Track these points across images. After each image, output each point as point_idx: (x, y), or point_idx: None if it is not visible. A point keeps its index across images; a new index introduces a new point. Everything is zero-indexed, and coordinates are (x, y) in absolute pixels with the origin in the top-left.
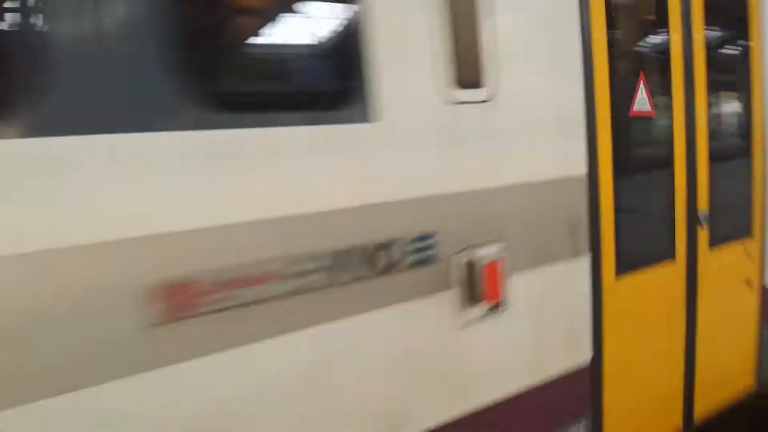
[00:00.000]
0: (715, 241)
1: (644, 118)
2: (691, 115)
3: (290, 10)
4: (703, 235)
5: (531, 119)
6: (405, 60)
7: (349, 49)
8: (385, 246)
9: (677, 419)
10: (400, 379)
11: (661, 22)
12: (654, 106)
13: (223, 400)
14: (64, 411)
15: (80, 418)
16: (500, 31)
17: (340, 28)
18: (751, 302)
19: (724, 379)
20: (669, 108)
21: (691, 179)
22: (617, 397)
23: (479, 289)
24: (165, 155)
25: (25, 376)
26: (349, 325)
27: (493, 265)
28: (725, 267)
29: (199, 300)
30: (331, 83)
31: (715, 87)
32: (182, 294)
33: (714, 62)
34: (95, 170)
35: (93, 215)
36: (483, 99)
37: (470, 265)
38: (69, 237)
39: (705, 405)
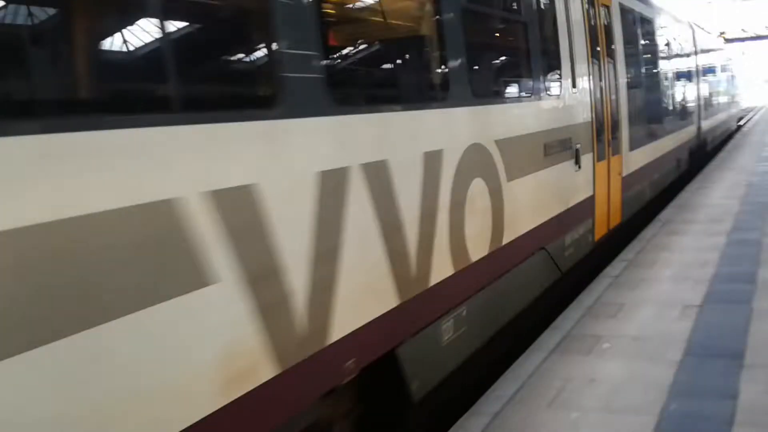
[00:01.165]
0: (613, 153)
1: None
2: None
3: None
4: (610, 150)
5: None
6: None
7: None
8: (563, 142)
9: (614, 221)
10: (556, 190)
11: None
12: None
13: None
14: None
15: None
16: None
17: None
18: (619, 182)
19: (614, 213)
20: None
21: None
22: (598, 211)
23: (577, 160)
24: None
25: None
26: (556, 167)
27: (577, 150)
28: (614, 165)
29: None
30: None
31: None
32: None
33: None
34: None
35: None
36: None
37: (575, 151)
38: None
39: (614, 221)
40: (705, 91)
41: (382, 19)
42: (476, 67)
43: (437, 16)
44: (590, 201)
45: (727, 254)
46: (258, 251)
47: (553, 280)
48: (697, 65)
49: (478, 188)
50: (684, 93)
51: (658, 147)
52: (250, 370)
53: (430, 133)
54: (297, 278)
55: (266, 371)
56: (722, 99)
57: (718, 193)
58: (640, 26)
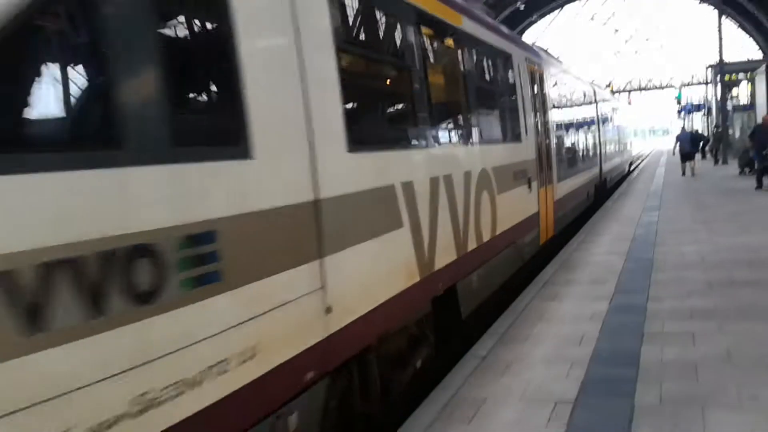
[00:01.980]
0: (548, 183)
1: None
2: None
3: None
4: (546, 181)
5: None
6: None
7: None
8: (523, 171)
9: (550, 233)
10: (521, 204)
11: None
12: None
13: None
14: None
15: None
16: None
17: None
18: (553, 204)
19: (550, 227)
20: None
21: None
22: (542, 224)
23: (529, 185)
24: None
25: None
26: (520, 188)
27: (529, 178)
28: (549, 191)
29: None
30: None
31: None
32: None
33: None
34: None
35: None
36: None
37: (528, 179)
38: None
39: (550, 233)
40: (604, 138)
41: (444, 101)
42: (482, 120)
43: (472, 95)
44: (537, 215)
45: (608, 325)
46: (414, 215)
47: (517, 267)
48: (598, 117)
49: (484, 195)
50: (590, 140)
51: (575, 181)
52: (413, 273)
53: (467, 160)
54: (428, 232)
55: (416, 276)
56: (618, 146)
57: (603, 248)
58: (558, 87)
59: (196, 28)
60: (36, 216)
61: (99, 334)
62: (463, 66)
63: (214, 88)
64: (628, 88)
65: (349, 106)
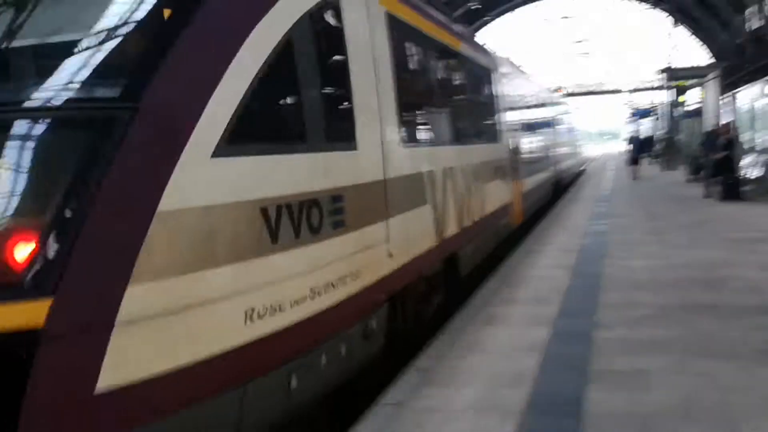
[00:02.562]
0: (518, 178)
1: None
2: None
3: None
4: (517, 176)
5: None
6: None
7: None
8: (503, 167)
9: (519, 219)
10: (502, 192)
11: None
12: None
13: None
14: None
15: None
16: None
17: None
18: (521, 196)
19: (519, 214)
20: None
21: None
22: (515, 209)
23: (505, 178)
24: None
25: None
26: (501, 180)
27: (505, 173)
28: (518, 185)
29: None
30: None
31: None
32: None
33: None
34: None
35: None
36: None
37: (504, 173)
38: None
39: (519, 219)
40: (560, 141)
41: (460, 118)
42: (476, 125)
43: (470, 103)
44: (511, 203)
45: (549, 359)
46: (433, 196)
47: (498, 241)
48: (554, 121)
49: (477, 184)
50: (548, 143)
51: (537, 179)
52: (432, 238)
53: (470, 155)
54: (441, 209)
55: (434, 241)
56: (571, 148)
57: (548, 260)
58: (524, 94)
59: (330, 74)
60: (282, 177)
61: (296, 248)
62: (462, 81)
63: (343, 106)
64: (577, 91)
65: (400, 116)
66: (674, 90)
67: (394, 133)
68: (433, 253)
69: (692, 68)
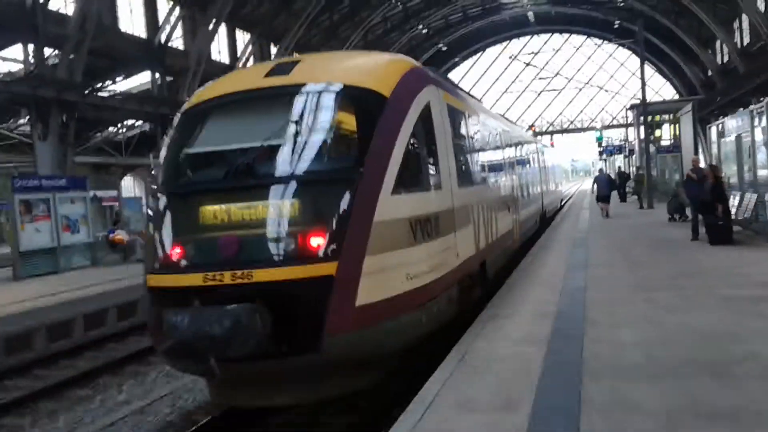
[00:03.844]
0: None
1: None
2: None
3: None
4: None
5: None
6: None
7: None
8: (511, 203)
9: (518, 242)
10: (512, 221)
11: None
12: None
13: None
14: None
15: None
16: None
17: None
18: (519, 224)
19: (518, 238)
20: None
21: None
22: (517, 235)
23: (510, 212)
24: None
25: None
26: (512, 212)
27: (510, 208)
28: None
29: None
30: None
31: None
32: None
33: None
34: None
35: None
36: None
37: (509, 208)
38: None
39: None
40: (545, 179)
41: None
42: (496, 172)
43: (503, 157)
44: (513, 229)
45: None
46: (474, 220)
47: (506, 257)
48: (540, 164)
49: (494, 214)
50: (536, 181)
51: (529, 211)
52: (474, 248)
53: (490, 195)
54: (479, 229)
55: (474, 250)
56: (554, 185)
57: (516, 331)
58: (519, 143)
59: (430, 147)
60: (415, 205)
61: (422, 244)
62: (483, 138)
63: (435, 165)
64: (549, 129)
65: (456, 166)
66: (648, 125)
67: (454, 179)
68: (475, 258)
69: (665, 102)
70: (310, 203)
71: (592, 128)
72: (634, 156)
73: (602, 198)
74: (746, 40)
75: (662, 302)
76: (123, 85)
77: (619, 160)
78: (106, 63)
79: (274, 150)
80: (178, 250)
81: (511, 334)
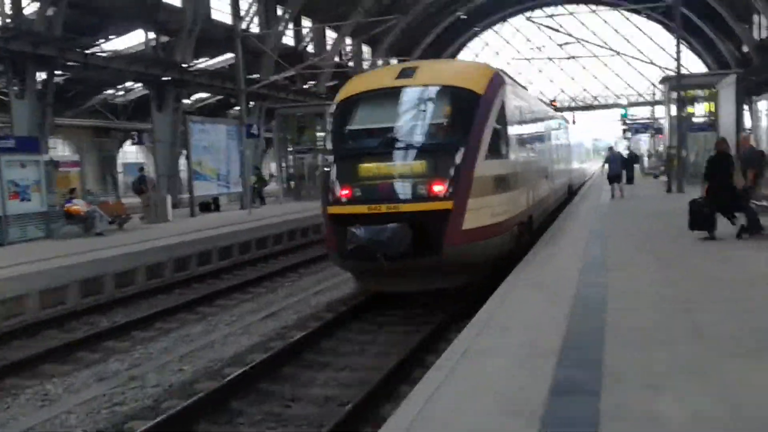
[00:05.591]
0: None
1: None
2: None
3: None
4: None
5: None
6: None
7: None
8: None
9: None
10: (555, 185)
11: None
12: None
13: None
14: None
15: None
16: None
17: None
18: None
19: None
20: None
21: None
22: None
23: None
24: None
25: None
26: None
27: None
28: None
29: None
30: None
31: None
32: None
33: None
34: None
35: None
36: None
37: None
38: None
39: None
40: (573, 157)
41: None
42: (543, 147)
43: (548, 138)
44: (549, 195)
45: None
46: (527, 182)
47: (546, 214)
48: (569, 142)
49: (540, 180)
50: (566, 158)
51: (561, 182)
52: (524, 204)
53: (539, 165)
54: (527, 190)
55: (525, 206)
56: (579, 163)
57: (497, 384)
58: (563, 126)
59: (505, 126)
60: (497, 167)
61: (502, 194)
62: (538, 121)
63: (508, 138)
64: (572, 105)
65: (517, 142)
66: (682, 100)
67: (517, 152)
68: (526, 212)
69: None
70: (435, 163)
71: (618, 105)
72: (662, 135)
73: (613, 177)
74: None
75: (714, 334)
76: (119, 45)
77: (644, 140)
78: (95, 20)
79: (409, 128)
80: (347, 191)
81: (486, 393)
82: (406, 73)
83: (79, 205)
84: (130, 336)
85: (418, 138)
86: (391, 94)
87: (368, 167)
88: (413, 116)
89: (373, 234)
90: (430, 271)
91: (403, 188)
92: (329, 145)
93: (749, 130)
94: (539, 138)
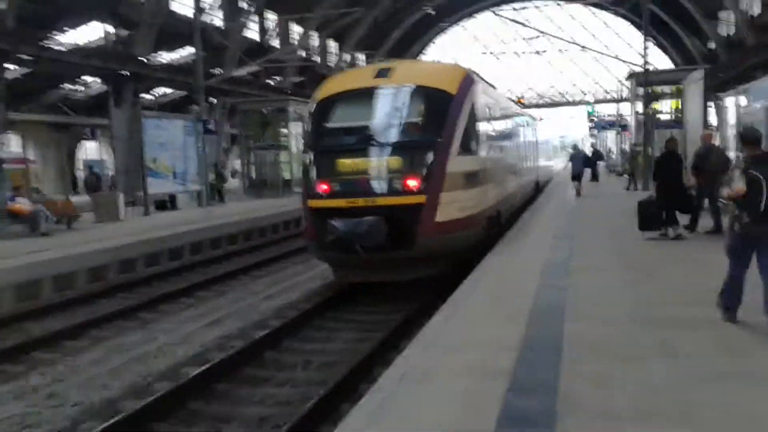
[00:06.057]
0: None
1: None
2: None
3: None
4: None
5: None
6: None
7: None
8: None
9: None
10: (525, 181)
11: None
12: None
13: None
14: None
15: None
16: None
17: None
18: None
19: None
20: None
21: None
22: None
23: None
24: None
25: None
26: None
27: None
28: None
29: None
30: None
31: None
32: None
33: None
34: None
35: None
36: None
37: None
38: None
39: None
40: (540, 155)
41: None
42: (509, 145)
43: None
44: (516, 192)
45: None
46: (495, 178)
47: (511, 213)
48: (535, 140)
49: (508, 176)
50: (534, 156)
51: (528, 179)
52: (492, 200)
53: (507, 161)
54: (497, 185)
55: (495, 200)
56: (546, 160)
57: (451, 395)
58: (533, 124)
59: (474, 124)
60: (468, 164)
61: (472, 189)
62: (511, 122)
63: (477, 136)
64: (540, 102)
65: (487, 140)
66: (648, 96)
67: (486, 149)
68: (495, 206)
69: (666, 71)
70: (410, 159)
71: (585, 102)
72: (628, 133)
73: (575, 176)
74: (756, 10)
75: (707, 372)
76: (79, 39)
77: (610, 137)
78: (51, 11)
79: (385, 126)
80: (326, 186)
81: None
82: (382, 74)
83: (22, 204)
84: (59, 346)
85: (394, 135)
86: (369, 94)
87: (347, 163)
88: (389, 115)
89: (351, 226)
90: (404, 261)
91: (379, 183)
92: (309, 142)
93: (714, 126)
94: (508, 135)
